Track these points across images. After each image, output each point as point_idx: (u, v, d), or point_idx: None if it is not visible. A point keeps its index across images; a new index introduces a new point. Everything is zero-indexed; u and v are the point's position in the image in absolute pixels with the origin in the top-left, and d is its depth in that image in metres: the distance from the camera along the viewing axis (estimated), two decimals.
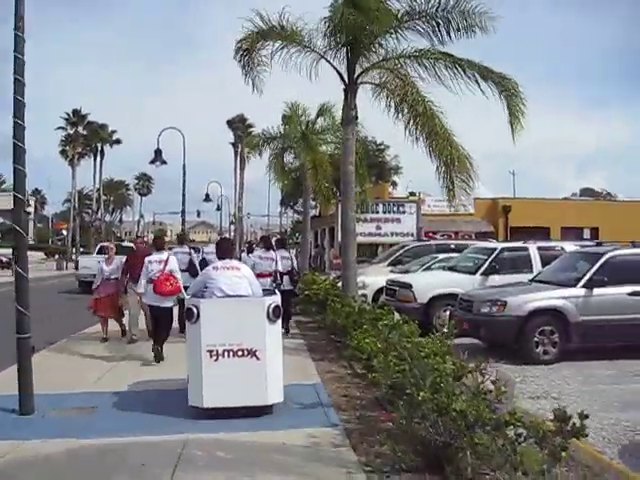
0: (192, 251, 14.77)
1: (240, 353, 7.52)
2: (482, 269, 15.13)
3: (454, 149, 13.52)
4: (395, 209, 27.51)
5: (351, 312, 11.41)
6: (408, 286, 15.14)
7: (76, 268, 28.32)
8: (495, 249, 15.51)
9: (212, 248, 13.79)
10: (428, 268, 18.36)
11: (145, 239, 20.42)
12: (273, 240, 16.79)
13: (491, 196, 44.83)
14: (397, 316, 9.61)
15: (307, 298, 16.59)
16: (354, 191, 14.03)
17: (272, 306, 7.74)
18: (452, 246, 22.34)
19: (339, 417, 7.61)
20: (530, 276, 14.18)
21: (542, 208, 40.63)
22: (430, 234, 29.40)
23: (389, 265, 21.74)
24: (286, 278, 14.51)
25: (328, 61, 13.96)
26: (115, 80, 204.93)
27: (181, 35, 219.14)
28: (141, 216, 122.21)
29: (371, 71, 13.99)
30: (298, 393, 8.48)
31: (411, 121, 13.61)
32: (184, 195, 24.78)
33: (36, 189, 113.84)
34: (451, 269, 16.11)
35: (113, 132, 72.63)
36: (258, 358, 7.54)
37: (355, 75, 13.86)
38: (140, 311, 13.00)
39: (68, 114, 70.09)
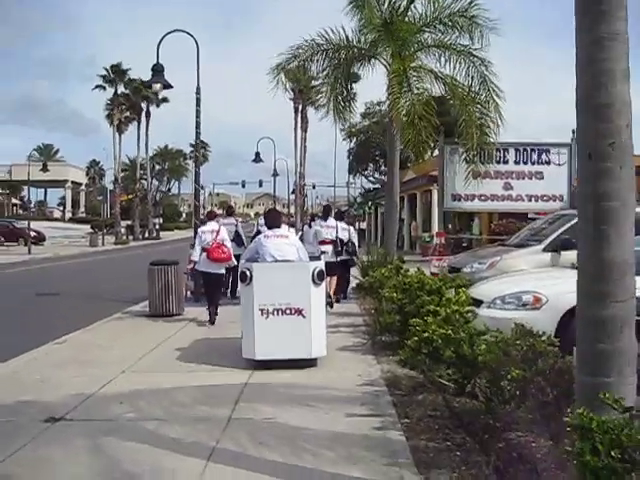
0: (238, 222, 15.87)
1: (288, 312, 8.32)
2: None
3: None
4: (535, 157, 17.15)
5: None
6: None
7: None
8: None
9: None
10: None
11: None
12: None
13: None
14: None
15: (411, 332, 7.09)
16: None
17: (317, 270, 8.49)
18: None
19: None
20: None
21: None
22: None
23: (547, 250, 12.28)
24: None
25: None
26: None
27: None
28: (201, 187, 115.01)
29: None
30: None
31: None
32: (198, 132, 15.53)
33: (94, 160, 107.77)
34: None
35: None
36: (304, 316, 8.33)
37: None
38: None
39: (107, 70, 60.66)
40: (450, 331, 5.75)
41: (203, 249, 12.31)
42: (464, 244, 30.71)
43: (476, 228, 33.22)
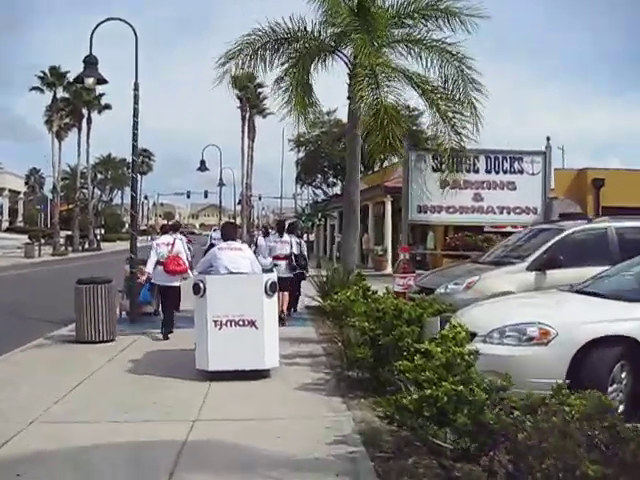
0: (184, 238, 15.02)
1: (241, 323, 8.45)
2: None
3: None
4: (507, 166, 15.81)
5: None
6: None
7: None
8: None
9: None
10: None
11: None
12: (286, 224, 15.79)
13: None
14: None
15: (394, 375, 5.57)
16: None
17: (269, 282, 8.69)
18: None
19: None
20: None
21: None
22: None
23: (531, 269, 10.96)
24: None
25: None
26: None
27: None
28: (145, 197, 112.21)
29: None
30: None
31: None
32: (135, 133, 13.79)
33: (34, 168, 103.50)
34: None
35: (101, 95, 59.70)
36: (257, 327, 8.45)
37: None
38: None
39: (44, 73, 57.78)
40: (462, 387, 4.25)
41: (158, 262, 12.28)
42: (418, 258, 29.39)
43: (431, 242, 31.88)
